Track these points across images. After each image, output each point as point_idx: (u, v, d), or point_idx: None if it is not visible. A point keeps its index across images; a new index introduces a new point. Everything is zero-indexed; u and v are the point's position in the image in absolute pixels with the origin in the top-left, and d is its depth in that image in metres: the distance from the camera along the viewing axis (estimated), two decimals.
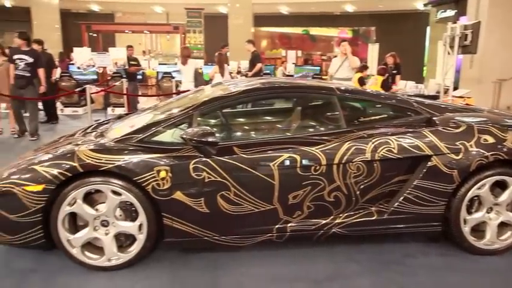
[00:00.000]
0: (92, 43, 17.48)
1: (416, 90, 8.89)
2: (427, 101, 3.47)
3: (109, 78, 10.58)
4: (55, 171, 2.64)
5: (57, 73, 8.71)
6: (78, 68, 11.03)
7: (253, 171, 2.76)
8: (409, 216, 2.94)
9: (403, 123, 3.17)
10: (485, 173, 2.91)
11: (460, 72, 9.89)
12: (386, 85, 8.11)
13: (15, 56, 6.86)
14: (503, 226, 3.03)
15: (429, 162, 2.88)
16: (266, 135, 3.59)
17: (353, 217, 2.93)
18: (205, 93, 3.42)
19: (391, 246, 3.12)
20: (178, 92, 8.88)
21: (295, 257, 2.97)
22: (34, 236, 2.70)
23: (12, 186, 2.66)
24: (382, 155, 2.88)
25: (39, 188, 2.63)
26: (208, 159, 2.73)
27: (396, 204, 2.91)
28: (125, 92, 9.37)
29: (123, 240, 2.81)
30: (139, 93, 10.84)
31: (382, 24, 20.73)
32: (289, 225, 2.88)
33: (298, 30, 24.51)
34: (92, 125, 3.76)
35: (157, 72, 12.71)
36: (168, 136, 2.91)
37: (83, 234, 2.73)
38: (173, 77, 11.15)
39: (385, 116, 3.45)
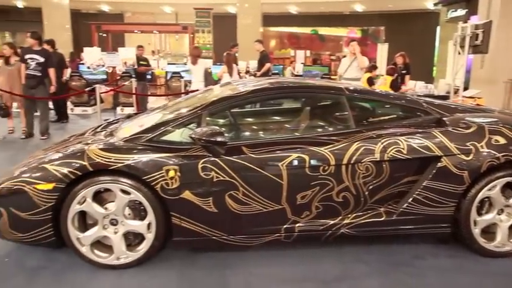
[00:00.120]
0: (101, 43, 17.63)
1: (426, 91, 8.83)
2: (437, 101, 3.44)
3: (118, 78, 10.65)
4: (65, 170, 2.67)
5: (67, 73, 8.78)
6: (88, 67, 11.13)
7: (262, 171, 2.76)
8: (418, 217, 2.91)
9: (412, 123, 3.15)
10: (496, 174, 2.88)
11: (471, 72, 9.79)
12: (396, 85, 8.06)
13: (27, 56, 6.94)
14: None
15: (439, 163, 2.86)
16: (275, 135, 3.59)
17: (361, 218, 2.91)
18: (214, 93, 3.43)
19: (400, 247, 3.10)
20: (187, 92, 8.91)
21: (303, 257, 2.97)
22: (44, 234, 2.72)
23: (23, 184, 2.69)
24: (391, 155, 2.86)
25: (50, 186, 2.66)
26: (217, 159, 2.73)
27: (405, 205, 2.90)
28: (134, 91, 9.42)
29: (132, 239, 2.83)
30: (149, 93, 10.89)
31: (391, 23, 20.61)
32: (297, 225, 2.88)
33: (307, 30, 24.45)
34: (102, 125, 3.79)
35: (166, 72, 12.77)
36: (177, 136, 2.92)
37: (92, 233, 2.75)
38: (182, 77, 11.19)
39: (394, 116, 3.42)
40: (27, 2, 19.72)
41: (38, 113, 7.24)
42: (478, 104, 6.05)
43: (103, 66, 11.17)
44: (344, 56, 9.29)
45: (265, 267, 2.84)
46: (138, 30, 20.72)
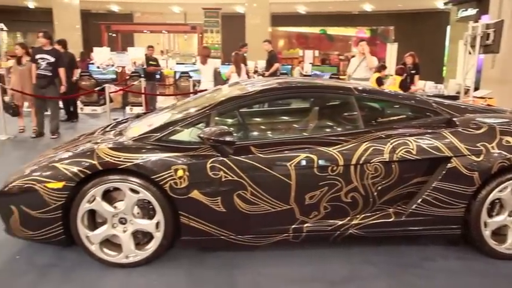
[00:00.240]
0: (111, 43, 17.75)
1: (435, 91, 8.75)
2: (447, 102, 3.41)
3: (127, 77, 10.72)
4: (75, 169, 2.69)
5: (77, 73, 8.87)
6: (98, 67, 11.21)
7: (270, 171, 2.76)
8: (427, 219, 2.89)
9: (422, 124, 3.13)
10: (507, 175, 2.85)
11: (481, 72, 9.69)
12: (405, 85, 8.00)
13: (38, 56, 7.01)
14: None
15: (449, 164, 2.84)
16: (283, 135, 3.58)
17: (370, 218, 2.90)
18: (223, 93, 3.44)
19: (409, 248, 3.08)
20: (196, 92, 8.94)
21: (312, 257, 2.96)
22: (54, 232, 2.75)
23: (34, 183, 2.72)
24: (400, 156, 2.84)
25: (60, 185, 2.68)
26: (225, 159, 2.74)
27: (414, 206, 2.87)
28: (143, 91, 9.47)
29: (141, 238, 2.84)
30: (157, 93, 10.95)
31: (401, 23, 20.48)
32: (305, 225, 2.87)
33: (315, 30, 24.40)
34: (111, 124, 3.82)
35: (175, 71, 12.82)
36: (186, 135, 2.94)
37: (102, 231, 2.77)
38: (190, 77, 11.23)
39: (404, 116, 3.40)
40: (38, 3, 19.94)
41: (48, 113, 7.31)
42: (488, 105, 5.99)
43: (112, 66, 11.25)
44: (353, 56, 9.26)
45: (273, 267, 2.84)
46: (147, 30, 20.84)
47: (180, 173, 2.69)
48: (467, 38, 7.52)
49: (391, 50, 16.24)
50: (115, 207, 2.76)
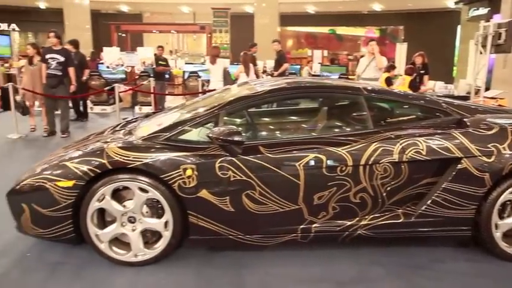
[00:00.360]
0: (120, 43, 17.86)
1: (445, 91, 8.68)
2: (457, 102, 3.38)
3: (137, 77, 10.78)
4: (85, 168, 2.71)
5: (87, 73, 8.94)
6: (108, 67, 11.28)
7: (279, 171, 2.76)
8: (437, 220, 2.87)
9: (431, 124, 3.11)
10: None
11: (493, 72, 9.59)
12: (414, 85, 7.95)
13: (48, 56, 7.07)
14: None
15: (459, 165, 2.81)
16: (292, 135, 3.58)
17: (379, 219, 2.88)
18: (231, 93, 3.44)
19: (418, 250, 3.05)
20: (204, 92, 8.96)
21: (320, 257, 2.95)
22: (64, 230, 2.78)
23: (44, 181, 2.75)
24: (410, 156, 2.82)
25: (70, 183, 2.71)
26: (234, 158, 2.74)
27: (424, 207, 2.85)
28: (152, 91, 9.52)
29: (149, 237, 2.86)
30: (166, 92, 11.00)
31: (410, 23, 20.32)
32: (313, 225, 2.86)
33: (324, 30, 24.32)
34: (121, 123, 3.84)
35: (184, 71, 12.86)
36: (195, 135, 2.95)
37: (111, 230, 2.79)
38: (199, 76, 11.26)
39: (413, 116, 3.38)
40: (49, 3, 20.13)
41: (58, 112, 7.38)
42: (500, 105, 5.92)
43: (122, 65, 11.31)
44: (362, 56, 9.20)
45: (281, 267, 2.84)
46: (157, 30, 20.95)
47: (188, 172, 2.70)
48: (478, 37, 7.44)
49: (401, 50, 16.15)
50: (124, 206, 2.78)
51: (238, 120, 3.53)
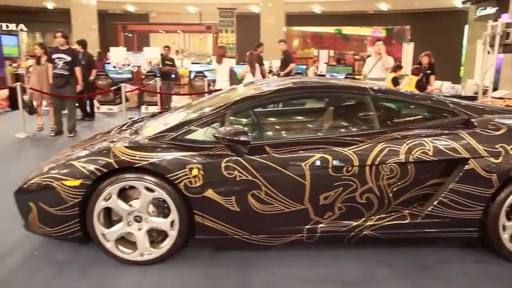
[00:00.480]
0: (127, 43, 17.95)
1: (452, 91, 8.64)
2: (464, 102, 3.36)
3: (143, 77, 10.82)
4: (92, 167, 2.73)
5: (94, 73, 9.00)
6: (114, 67, 11.34)
7: (285, 171, 2.76)
8: (443, 221, 2.85)
9: (438, 124, 3.09)
10: None
11: (500, 72, 9.52)
12: (421, 85, 7.90)
13: (54, 55, 7.11)
14: None
15: (466, 166, 2.79)
16: (298, 135, 3.58)
17: (385, 220, 2.87)
18: (238, 93, 3.44)
19: (425, 250, 3.04)
20: (210, 91, 8.97)
21: (326, 258, 2.95)
22: (71, 229, 2.80)
23: (51, 180, 2.77)
24: (416, 157, 2.81)
25: (77, 182, 2.72)
26: (240, 158, 2.74)
27: (430, 207, 2.84)
28: (158, 90, 9.55)
29: (155, 236, 2.87)
30: (173, 92, 11.03)
31: (417, 22, 20.23)
32: (319, 226, 2.86)
33: (330, 30, 24.26)
34: (127, 123, 3.86)
35: (190, 71, 12.89)
36: (201, 134, 2.95)
37: (117, 229, 2.81)
38: (205, 76, 11.28)
39: (420, 117, 3.36)
40: (56, 3, 20.27)
41: (65, 111, 7.43)
42: (508, 105, 5.88)
43: (128, 65, 11.37)
44: (368, 56, 9.17)
45: (287, 267, 2.84)
46: (163, 30, 21.02)
47: (194, 172, 2.71)
48: (486, 37, 7.39)
49: (407, 50, 16.09)
50: (130, 206, 2.79)
51: (244, 120, 3.53)
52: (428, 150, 2.82)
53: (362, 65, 9.79)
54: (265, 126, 3.73)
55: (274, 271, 2.78)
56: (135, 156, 2.74)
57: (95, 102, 10.02)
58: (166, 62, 10.54)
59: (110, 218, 2.86)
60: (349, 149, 2.81)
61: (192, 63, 14.32)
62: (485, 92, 7.77)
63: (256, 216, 2.79)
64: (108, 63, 11.70)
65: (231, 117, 3.01)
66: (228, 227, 2.81)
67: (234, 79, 8.21)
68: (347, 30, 24.16)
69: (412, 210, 2.90)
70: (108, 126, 4.07)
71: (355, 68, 15.98)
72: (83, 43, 8.70)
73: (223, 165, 2.73)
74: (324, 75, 12.64)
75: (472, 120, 3.04)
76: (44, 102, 7.74)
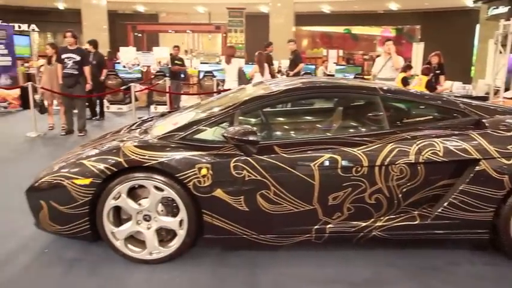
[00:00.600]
0: (137, 43, 18.05)
1: (463, 91, 8.54)
2: (475, 102, 3.32)
3: (152, 76, 10.88)
4: (101, 166, 2.75)
5: (105, 73, 9.07)
6: (124, 66, 11.41)
7: (294, 171, 2.75)
8: (454, 222, 2.82)
9: (448, 125, 3.06)
10: None
11: None
12: (431, 85, 7.83)
13: (64, 55, 7.17)
14: None
15: (477, 167, 2.76)
16: (307, 135, 3.57)
17: (394, 221, 2.85)
18: (247, 93, 3.44)
19: (434, 252, 3.01)
20: (219, 91, 8.98)
21: (334, 258, 2.94)
22: (81, 227, 2.82)
23: (62, 179, 2.79)
24: (426, 157, 2.78)
25: (87, 181, 2.75)
26: (248, 158, 2.74)
27: (440, 209, 2.81)
28: (167, 90, 9.59)
29: (164, 235, 2.88)
30: (182, 92, 11.07)
31: (427, 22, 20.06)
32: (328, 226, 2.85)
33: (339, 29, 24.17)
34: (136, 122, 3.88)
35: (199, 71, 12.92)
36: (210, 134, 2.96)
37: (126, 228, 2.82)
38: (214, 76, 11.31)
39: (430, 117, 3.34)
40: (67, 4, 20.46)
41: (76, 111, 7.49)
42: None
43: (138, 65, 11.43)
44: (378, 56, 9.12)
45: (295, 267, 2.84)
46: (172, 30, 21.07)
47: (203, 171, 2.71)
48: (498, 36, 7.31)
49: (417, 50, 15.93)
50: (140, 204, 2.80)
51: (253, 120, 3.53)
52: (439, 151, 2.79)
53: (371, 65, 9.74)
54: (274, 126, 3.73)
55: (282, 271, 2.78)
56: (144, 156, 2.75)
57: (105, 101, 10.09)
58: (176, 62, 10.58)
59: (119, 216, 2.88)
60: (358, 149, 2.80)
61: (201, 63, 14.36)
62: (496, 92, 7.68)
63: (264, 216, 2.79)
64: (118, 63, 11.78)
65: (240, 117, 3.01)
66: (237, 227, 2.81)
67: (243, 79, 8.21)
68: (356, 30, 24.05)
69: (421, 211, 2.88)
70: (117, 126, 4.10)
71: (365, 68, 15.90)
72: (94, 43, 8.78)
73: (232, 164, 2.73)
74: (333, 75, 12.59)
75: (483, 120, 3.01)
76: (55, 102, 7.82)
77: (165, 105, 10.02)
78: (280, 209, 2.78)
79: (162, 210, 2.82)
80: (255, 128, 2.79)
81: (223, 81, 9.33)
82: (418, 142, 2.83)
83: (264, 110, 3.54)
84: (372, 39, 24.62)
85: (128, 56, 11.55)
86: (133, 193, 2.82)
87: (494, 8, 13.71)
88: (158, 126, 3.30)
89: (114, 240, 2.83)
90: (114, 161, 2.75)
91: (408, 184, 2.81)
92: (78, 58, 7.17)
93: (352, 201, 2.81)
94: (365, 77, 11.55)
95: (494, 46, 7.79)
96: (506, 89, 7.97)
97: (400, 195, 2.83)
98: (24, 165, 5.40)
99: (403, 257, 2.96)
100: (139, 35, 19.75)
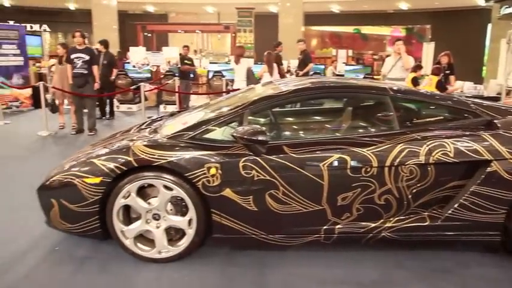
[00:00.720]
0: (146, 43, 18.15)
1: (474, 92, 8.45)
2: (486, 103, 3.29)
3: (162, 76, 10.93)
4: (111, 165, 2.77)
5: (115, 73, 9.13)
6: (134, 66, 11.49)
7: (303, 171, 2.75)
8: (464, 224, 2.80)
9: (459, 125, 3.03)
10: None
11: None
12: (442, 86, 7.76)
13: (73, 55, 7.23)
14: None
15: (489, 168, 2.73)
16: (316, 135, 3.56)
17: (404, 222, 2.84)
18: (256, 92, 3.45)
19: (444, 254, 2.99)
20: (229, 91, 8.99)
21: (343, 259, 2.93)
22: (91, 225, 2.85)
23: (73, 177, 2.82)
24: (437, 158, 2.76)
25: (97, 180, 2.77)
26: (257, 158, 2.75)
27: (451, 210, 2.79)
28: (177, 90, 9.63)
29: (173, 234, 2.90)
30: (191, 92, 11.11)
31: (438, 21, 19.87)
32: (337, 226, 2.84)
33: (349, 29, 24.06)
34: (146, 122, 3.91)
35: (208, 71, 12.96)
36: (219, 134, 2.97)
37: (136, 226, 2.84)
38: (223, 76, 11.33)
39: (440, 117, 3.31)
40: (78, 4, 20.65)
41: (86, 110, 7.56)
42: None
43: (147, 65, 11.50)
44: (388, 56, 9.06)
45: (304, 267, 2.83)
46: (182, 30, 21.18)
47: (212, 171, 2.72)
48: (510, 36, 7.22)
49: (428, 50, 15.82)
50: (149, 203, 2.82)
51: (262, 120, 3.53)
52: (449, 151, 2.77)
53: (381, 65, 9.67)
54: (283, 126, 3.73)
55: (291, 271, 2.78)
56: (154, 155, 2.77)
57: (115, 101, 10.17)
58: (185, 62, 10.62)
59: (128, 215, 2.90)
60: (367, 150, 2.79)
61: (210, 62, 14.38)
62: (508, 92, 7.60)
63: (273, 216, 2.79)
64: (128, 62, 11.86)
65: (249, 117, 3.01)
66: (245, 227, 2.81)
67: (251, 79, 8.21)
68: (366, 29, 23.91)
69: (431, 212, 2.85)
70: (127, 125, 4.13)
71: (374, 68, 15.81)
72: (105, 43, 8.85)
73: (241, 164, 2.74)
74: (342, 75, 12.54)
75: (494, 121, 2.98)
76: (66, 101, 7.89)
77: (175, 104, 10.07)
78: (289, 209, 2.78)
79: (171, 210, 2.84)
80: (264, 128, 2.79)
81: (232, 81, 9.35)
82: (428, 143, 2.81)
83: (273, 110, 3.54)
84: (382, 39, 24.46)
85: (137, 55, 11.62)
86: (143, 192, 2.84)
87: (507, 7, 13.53)
88: (168, 126, 3.32)
89: (124, 239, 2.85)
90: (124, 160, 2.77)
91: (418, 185, 2.79)
92: (87, 58, 7.23)
93: (362, 201, 2.80)
94: (375, 77, 11.48)
95: (506, 46, 7.69)
96: None
97: (409, 196, 2.81)
98: (35, 163, 5.46)
99: (413, 258, 2.94)
100: (149, 35, 19.87)
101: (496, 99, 7.38)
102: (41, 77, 12.02)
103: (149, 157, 2.76)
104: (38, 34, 16.75)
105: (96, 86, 7.46)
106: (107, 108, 9.31)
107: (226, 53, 19.50)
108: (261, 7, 18.02)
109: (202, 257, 2.93)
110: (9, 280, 2.67)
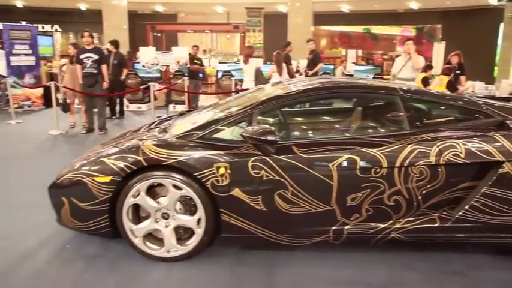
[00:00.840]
0: (156, 42, 18.25)
1: (486, 92, 8.36)
2: (498, 103, 3.25)
3: (171, 76, 10.98)
4: (121, 164, 2.79)
5: (125, 73, 9.19)
6: (143, 66, 11.55)
7: (312, 171, 2.74)
8: (475, 226, 2.77)
9: (470, 126, 3.00)
10: None
11: None
12: (452, 86, 7.68)
13: (82, 56, 7.30)
14: None
15: (500, 169, 2.70)
16: (325, 136, 3.55)
17: (414, 223, 2.81)
18: (265, 92, 3.44)
19: (454, 255, 2.96)
20: (238, 91, 9.00)
21: (352, 260, 2.92)
22: (101, 224, 2.87)
23: (83, 176, 2.85)
24: (447, 159, 2.73)
25: (107, 179, 2.79)
26: (267, 158, 2.74)
27: (461, 212, 2.76)
28: (186, 89, 9.67)
29: (182, 233, 2.91)
30: (200, 91, 11.14)
31: (449, 21, 19.69)
32: (346, 227, 2.83)
33: (358, 29, 23.94)
34: (156, 121, 3.93)
35: (217, 70, 12.98)
36: (228, 134, 2.97)
37: (145, 225, 2.86)
38: (232, 76, 11.34)
39: (451, 118, 3.28)
40: (89, 4, 20.82)
41: (96, 110, 7.62)
42: None
43: (157, 65, 11.56)
44: (398, 56, 9.00)
45: (313, 267, 2.82)
46: (191, 30, 21.24)
47: (221, 170, 2.73)
48: None
49: (438, 49, 15.66)
50: (158, 203, 2.83)
51: (271, 120, 3.53)
52: (460, 152, 2.74)
53: (391, 65, 9.61)
54: (292, 126, 3.72)
55: (300, 271, 2.78)
56: (163, 154, 2.78)
57: (125, 100, 10.23)
58: (195, 61, 10.65)
59: (138, 214, 2.92)
60: (377, 150, 2.77)
61: (220, 62, 14.41)
62: None
63: (282, 216, 2.79)
64: (138, 62, 11.93)
65: (259, 117, 3.01)
66: (254, 226, 2.82)
67: (260, 79, 8.21)
68: (376, 29, 23.77)
69: (442, 213, 2.83)
70: (137, 125, 4.15)
71: (384, 68, 15.72)
72: (115, 43, 8.92)
73: (250, 164, 2.74)
74: (351, 75, 12.48)
75: (506, 122, 2.94)
76: (76, 101, 7.97)
77: (184, 104, 10.10)
78: (298, 209, 2.78)
79: (180, 209, 2.85)
80: (273, 128, 2.79)
81: (241, 80, 9.35)
82: (438, 143, 2.78)
83: (283, 109, 3.54)
84: (392, 39, 24.29)
85: (147, 55, 11.69)
86: (152, 191, 2.86)
87: None
88: (177, 126, 3.33)
89: (133, 238, 2.87)
90: (133, 160, 2.78)
91: (428, 186, 2.77)
92: (96, 57, 7.30)
93: (371, 202, 2.78)
94: (384, 77, 11.41)
95: None
96: None
97: (419, 197, 2.79)
98: (46, 162, 5.52)
99: (422, 260, 2.91)
100: (159, 34, 19.97)
101: (508, 99, 7.28)
102: (52, 76, 12.14)
103: (159, 156, 2.78)
104: (50, 34, 16.95)
105: (105, 85, 7.52)
106: (117, 108, 9.38)
107: (236, 52, 19.50)
108: (270, 7, 18.00)
109: (211, 257, 2.94)
110: (20, 277, 2.70)
